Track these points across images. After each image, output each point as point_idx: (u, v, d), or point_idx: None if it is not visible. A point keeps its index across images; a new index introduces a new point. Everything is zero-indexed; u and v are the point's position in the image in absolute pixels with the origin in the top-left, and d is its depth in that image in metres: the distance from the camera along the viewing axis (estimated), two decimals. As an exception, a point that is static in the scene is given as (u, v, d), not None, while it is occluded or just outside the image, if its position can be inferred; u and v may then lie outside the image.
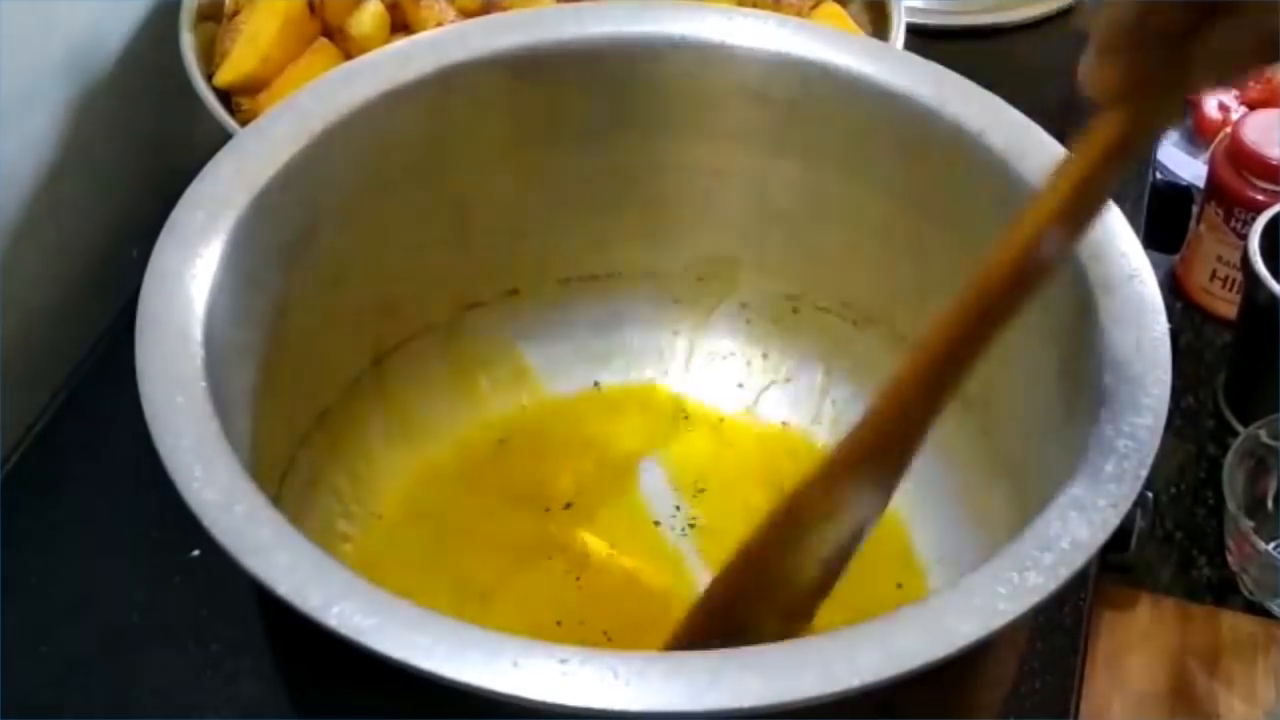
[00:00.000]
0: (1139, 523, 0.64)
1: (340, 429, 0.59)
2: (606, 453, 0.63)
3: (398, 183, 0.59)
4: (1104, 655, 0.68)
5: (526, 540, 0.60)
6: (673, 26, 0.60)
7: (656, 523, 0.61)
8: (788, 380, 0.65)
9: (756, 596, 0.48)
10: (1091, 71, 0.40)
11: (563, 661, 0.39)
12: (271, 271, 0.53)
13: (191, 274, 0.49)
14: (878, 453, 0.46)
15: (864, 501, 0.46)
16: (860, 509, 0.46)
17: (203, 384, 0.46)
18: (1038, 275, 0.43)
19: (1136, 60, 0.39)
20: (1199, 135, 0.99)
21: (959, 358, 0.44)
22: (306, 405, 0.58)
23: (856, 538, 0.47)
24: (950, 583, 0.42)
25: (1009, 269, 0.43)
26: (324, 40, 0.73)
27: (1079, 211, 0.43)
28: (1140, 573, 0.73)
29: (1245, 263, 0.77)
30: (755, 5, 0.72)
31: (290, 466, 0.56)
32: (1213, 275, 0.88)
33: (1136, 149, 0.42)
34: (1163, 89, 0.40)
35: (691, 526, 0.61)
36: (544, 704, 0.38)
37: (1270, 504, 0.74)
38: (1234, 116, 0.96)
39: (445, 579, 0.58)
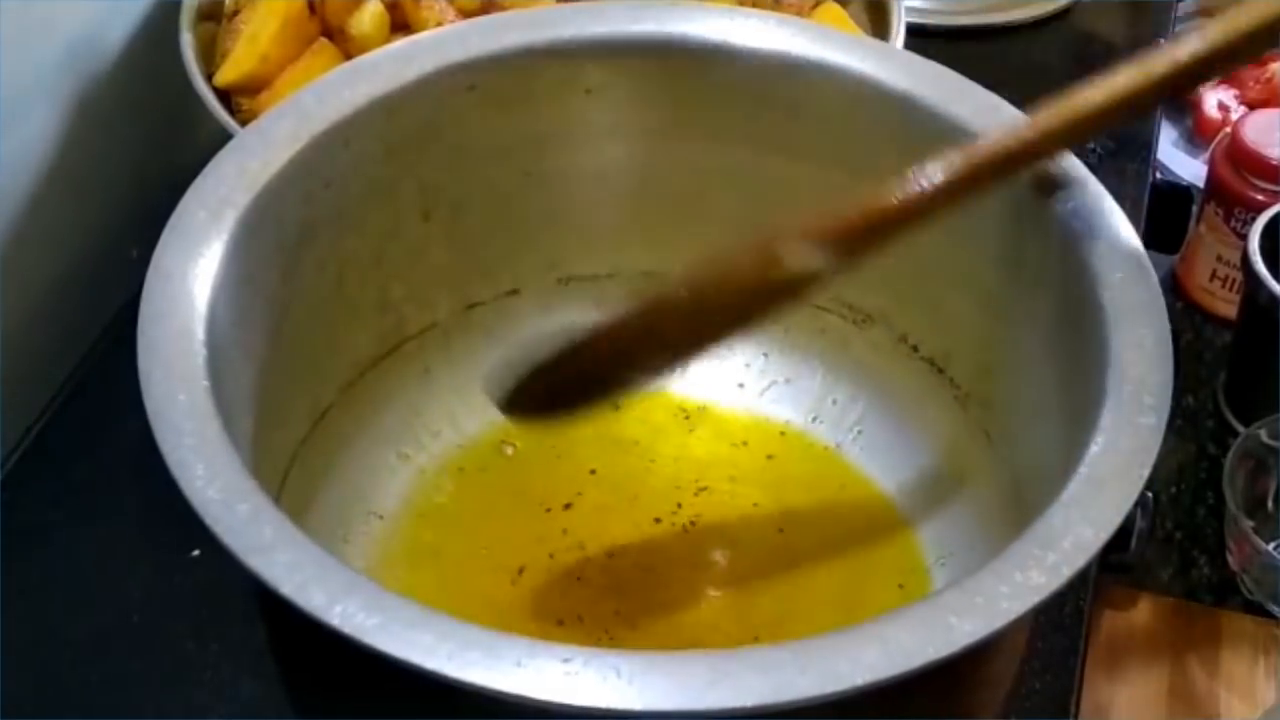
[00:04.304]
0: (1139, 523, 0.64)
1: (341, 428, 0.59)
2: (607, 453, 0.63)
3: (398, 183, 0.59)
4: (1104, 655, 0.68)
5: (527, 539, 0.60)
6: (673, 26, 0.60)
7: (657, 521, 0.61)
8: (788, 380, 0.65)
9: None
10: None
11: (566, 661, 0.39)
12: (273, 271, 0.54)
13: (193, 273, 0.49)
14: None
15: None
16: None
17: (204, 383, 0.46)
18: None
19: None
20: (1199, 135, 0.99)
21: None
22: (308, 404, 0.58)
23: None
24: (952, 583, 0.42)
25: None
26: (324, 40, 0.73)
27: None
28: (1140, 573, 0.73)
29: (1245, 263, 0.77)
30: (755, 5, 0.72)
31: (292, 465, 0.56)
32: (1213, 275, 0.88)
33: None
34: None
35: (692, 525, 0.61)
36: (547, 703, 0.38)
37: (1270, 504, 0.74)
38: (1234, 116, 0.96)
39: (446, 578, 0.58)
